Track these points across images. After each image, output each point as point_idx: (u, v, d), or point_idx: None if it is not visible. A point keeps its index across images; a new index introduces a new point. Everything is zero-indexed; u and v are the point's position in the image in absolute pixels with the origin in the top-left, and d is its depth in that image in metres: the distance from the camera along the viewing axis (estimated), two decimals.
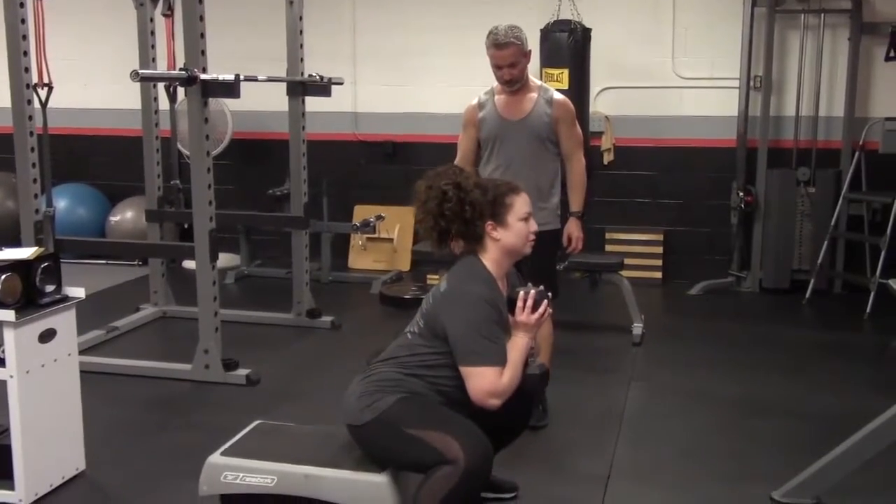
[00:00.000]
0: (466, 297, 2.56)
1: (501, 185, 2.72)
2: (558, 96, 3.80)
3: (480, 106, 3.83)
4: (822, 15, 6.10)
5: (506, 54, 3.64)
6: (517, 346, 2.56)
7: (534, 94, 3.77)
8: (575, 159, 3.84)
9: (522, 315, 2.57)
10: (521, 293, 2.59)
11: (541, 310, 2.58)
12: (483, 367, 2.46)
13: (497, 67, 3.70)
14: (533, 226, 2.71)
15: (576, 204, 3.87)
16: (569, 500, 3.20)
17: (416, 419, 2.51)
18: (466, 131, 3.88)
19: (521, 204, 2.67)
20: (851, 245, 6.15)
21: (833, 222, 5.99)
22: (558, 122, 3.74)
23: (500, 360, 2.49)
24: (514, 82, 3.71)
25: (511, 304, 2.61)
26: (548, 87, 3.88)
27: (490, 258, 2.64)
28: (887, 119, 5.65)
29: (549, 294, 2.62)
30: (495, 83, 3.82)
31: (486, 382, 2.45)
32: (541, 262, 3.70)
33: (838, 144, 6.15)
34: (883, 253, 5.59)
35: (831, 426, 3.64)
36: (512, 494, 3.14)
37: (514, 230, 2.64)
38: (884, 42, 5.93)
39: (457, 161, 3.78)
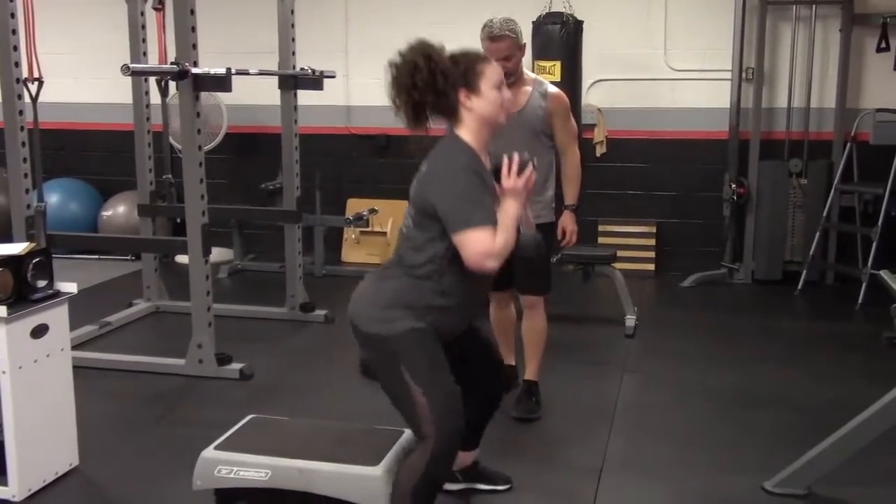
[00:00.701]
0: (448, 168, 2.54)
1: (472, 54, 2.66)
2: (553, 89, 3.79)
3: None
4: (814, 6, 6.10)
5: (501, 47, 3.63)
6: (507, 211, 2.51)
7: (528, 88, 3.75)
8: (570, 152, 3.84)
9: (508, 181, 2.53)
10: (505, 159, 2.55)
11: (526, 173, 2.54)
12: (475, 230, 2.42)
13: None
14: (507, 94, 2.65)
15: (570, 197, 3.87)
16: (562, 492, 3.21)
17: (416, 363, 2.51)
18: None
19: (493, 71, 2.61)
20: (843, 236, 6.18)
21: (825, 213, 6.01)
22: (553, 116, 3.74)
23: (490, 221, 2.46)
24: (508, 75, 3.66)
25: (496, 173, 2.58)
26: (542, 80, 3.87)
27: (467, 130, 2.60)
28: (878, 110, 5.66)
29: (533, 161, 2.58)
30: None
31: (481, 244, 2.42)
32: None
33: (830, 136, 6.17)
34: (874, 244, 5.62)
35: (823, 416, 3.66)
36: (506, 486, 3.15)
37: (487, 98, 2.58)
38: (875, 33, 5.94)
39: None
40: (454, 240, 2.47)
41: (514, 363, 4.08)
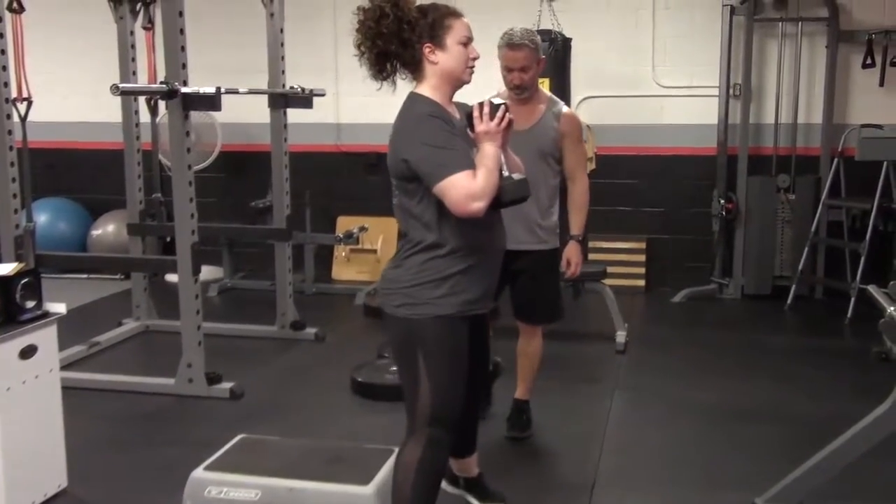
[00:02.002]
0: (410, 121, 2.51)
1: (441, 7, 2.61)
2: (567, 110, 3.66)
3: None
4: (800, 23, 6.16)
5: (518, 56, 3.52)
6: (485, 153, 2.47)
7: (542, 106, 3.62)
8: (579, 178, 3.69)
9: (482, 125, 2.48)
10: (475, 104, 2.51)
11: (499, 114, 2.49)
12: (452, 176, 2.39)
13: (508, 70, 3.57)
14: (473, 52, 2.59)
15: (577, 227, 3.71)
16: None
17: (432, 352, 2.51)
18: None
19: (460, 27, 2.57)
20: (831, 251, 6.20)
21: (813, 228, 6.04)
22: (564, 137, 3.59)
23: (466, 164, 2.42)
24: (523, 88, 3.56)
25: (469, 121, 2.52)
26: (557, 99, 3.72)
27: (429, 86, 2.57)
28: (863, 126, 5.70)
29: (505, 104, 2.52)
30: (502, 88, 3.66)
31: (461, 188, 2.38)
32: (543, 283, 3.65)
33: (817, 151, 6.21)
34: (863, 258, 5.64)
35: (814, 431, 3.66)
36: None
37: (452, 53, 2.54)
38: (861, 50, 5.99)
39: None
40: (435, 191, 2.42)
41: (527, 398, 3.88)
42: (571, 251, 3.70)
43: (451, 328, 2.53)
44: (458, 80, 2.59)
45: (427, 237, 2.52)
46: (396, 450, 2.73)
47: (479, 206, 2.40)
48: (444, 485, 3.09)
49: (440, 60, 2.54)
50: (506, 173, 2.49)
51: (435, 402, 2.50)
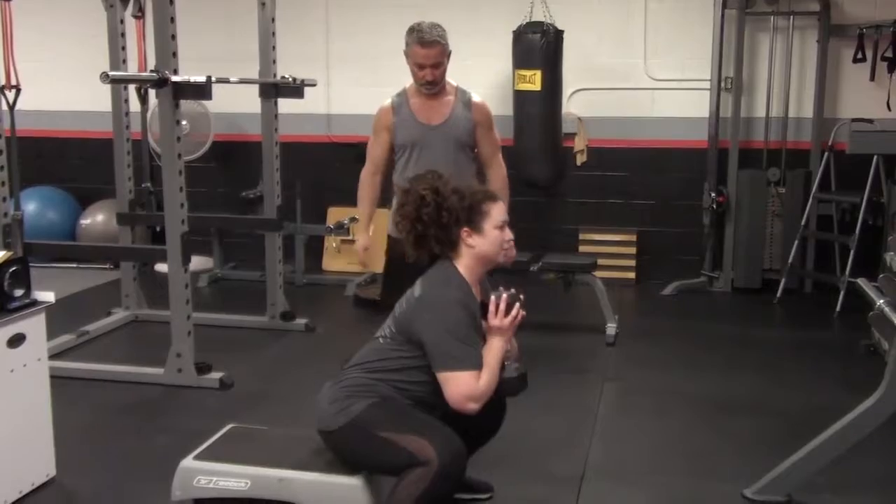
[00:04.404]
0: (441, 301, 2.56)
1: (478, 192, 2.72)
2: (477, 99, 3.68)
3: (394, 109, 3.65)
4: (792, 17, 6.16)
5: (431, 53, 3.50)
6: (492, 349, 2.56)
7: (451, 98, 3.62)
8: (495, 165, 3.70)
9: (496, 319, 2.58)
10: (493, 297, 2.60)
11: (513, 312, 2.59)
12: (460, 372, 2.47)
13: (419, 67, 3.54)
14: (508, 234, 2.70)
15: None
16: (543, 500, 3.21)
17: (388, 422, 2.52)
18: (379, 136, 3.69)
19: (497, 212, 2.68)
20: (821, 244, 6.22)
21: (803, 222, 6.06)
22: (478, 126, 3.61)
23: (476, 364, 2.50)
24: (435, 84, 3.56)
25: (484, 308, 2.62)
26: (465, 89, 3.71)
27: (464, 264, 2.65)
28: (854, 120, 5.72)
29: (521, 297, 2.62)
30: (408, 84, 3.66)
31: (464, 387, 2.46)
32: None
33: (808, 145, 6.22)
34: (852, 252, 5.66)
35: (803, 423, 3.68)
36: (487, 495, 3.15)
37: (489, 238, 2.64)
38: (852, 44, 6.00)
39: (367, 168, 3.69)
40: (438, 376, 2.49)
41: None
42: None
43: (389, 402, 2.56)
44: (492, 262, 2.69)
45: (383, 377, 2.58)
46: None
47: (475, 406, 2.49)
48: None
49: (477, 244, 2.64)
50: (507, 362, 2.61)
51: (433, 439, 2.45)
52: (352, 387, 2.60)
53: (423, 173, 2.76)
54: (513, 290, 2.64)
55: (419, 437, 2.46)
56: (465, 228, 2.63)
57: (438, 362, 2.50)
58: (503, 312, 2.58)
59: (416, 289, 2.65)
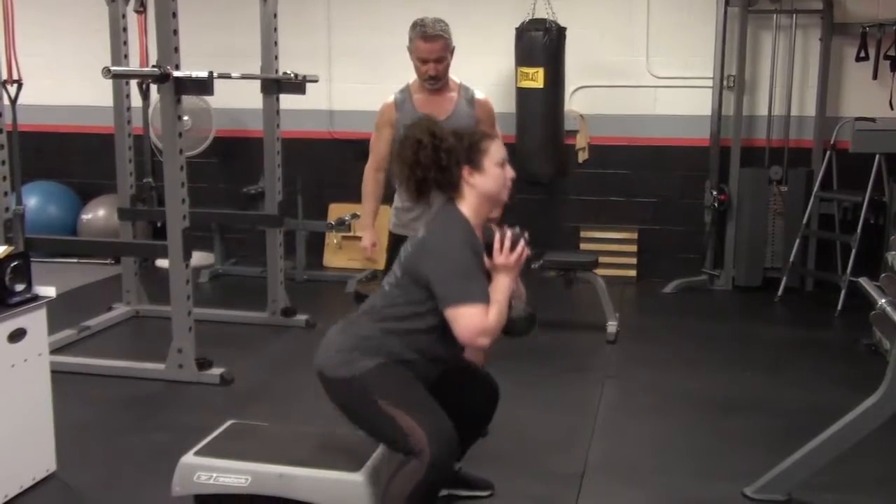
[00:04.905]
0: (446, 242, 2.55)
1: (476, 132, 2.72)
2: (480, 95, 3.67)
3: (397, 105, 3.64)
4: (794, 15, 6.15)
5: (434, 48, 3.48)
6: (499, 286, 2.54)
7: (454, 94, 3.61)
8: (507, 227, 3.70)
9: (500, 257, 2.56)
10: (497, 235, 2.58)
11: (518, 249, 2.56)
12: (468, 307, 2.44)
13: (422, 62, 3.52)
14: (510, 171, 2.68)
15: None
16: (544, 498, 3.21)
17: (390, 392, 2.51)
18: (382, 132, 3.67)
19: (496, 149, 2.65)
20: (823, 243, 6.21)
21: (805, 221, 6.05)
22: (480, 123, 3.57)
23: (484, 299, 2.48)
24: (438, 79, 3.54)
25: (488, 249, 2.59)
26: (468, 86, 3.70)
27: (468, 205, 2.62)
28: (857, 119, 5.70)
29: (526, 235, 2.60)
30: (412, 80, 3.65)
31: (474, 321, 2.44)
32: None
33: (810, 144, 6.21)
34: (853, 251, 5.66)
35: (803, 422, 3.68)
36: (487, 492, 3.15)
37: (490, 175, 2.62)
38: (855, 42, 5.99)
39: (370, 164, 3.68)
40: (446, 314, 2.48)
41: None
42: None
43: (394, 370, 2.55)
44: (495, 200, 2.67)
45: (390, 326, 2.57)
46: None
47: (486, 342, 2.48)
48: None
49: (478, 183, 2.62)
50: (514, 303, 2.59)
51: (426, 427, 2.45)
52: (360, 337, 2.59)
53: (418, 120, 2.71)
54: (517, 228, 2.62)
55: (414, 421, 2.46)
56: (466, 168, 2.60)
57: (446, 300, 2.48)
58: (508, 249, 2.55)
59: (421, 231, 2.64)
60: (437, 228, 2.61)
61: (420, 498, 2.48)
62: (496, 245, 2.56)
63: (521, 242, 2.58)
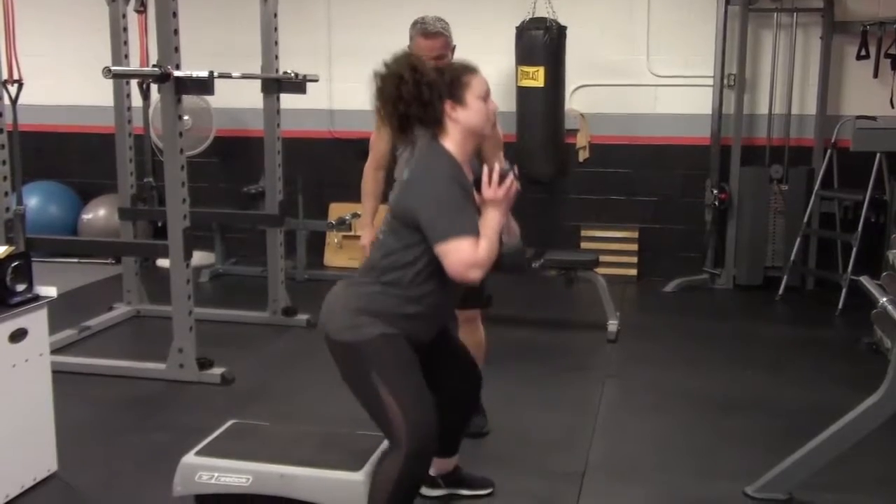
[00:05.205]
0: (430, 176, 2.53)
1: (457, 65, 2.67)
2: None
3: None
4: (795, 14, 6.15)
5: (434, 45, 3.48)
6: (488, 220, 2.51)
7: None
8: (498, 162, 3.67)
9: (489, 190, 2.52)
10: (486, 169, 2.55)
11: (507, 182, 2.53)
12: (458, 240, 2.41)
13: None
14: (493, 105, 2.65)
15: None
16: (545, 497, 3.21)
17: (386, 368, 2.51)
18: (382, 131, 3.58)
19: (478, 83, 2.61)
20: (823, 242, 6.21)
21: (805, 219, 6.05)
22: None
23: (473, 231, 2.45)
24: None
25: (477, 184, 2.57)
26: None
27: (452, 141, 2.59)
28: (858, 117, 5.70)
29: (515, 169, 2.57)
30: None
31: (464, 254, 2.41)
32: None
33: (811, 142, 6.21)
34: (854, 250, 5.65)
35: (804, 421, 3.67)
36: (487, 491, 3.15)
37: (473, 109, 2.58)
38: (855, 41, 5.99)
39: (370, 163, 3.67)
40: (436, 250, 2.45)
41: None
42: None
43: (397, 344, 2.54)
44: (479, 134, 2.64)
45: (390, 275, 2.54)
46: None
47: (477, 274, 2.44)
48: (424, 490, 3.10)
49: (461, 117, 2.58)
50: (505, 239, 2.55)
51: (407, 415, 2.47)
52: (364, 295, 2.56)
53: (400, 54, 2.66)
54: (506, 164, 2.60)
55: (399, 409, 2.47)
56: (448, 102, 2.56)
57: (435, 235, 2.45)
58: (496, 183, 2.52)
59: (405, 172, 2.63)
60: (421, 166, 2.59)
61: (403, 486, 2.51)
62: (484, 179, 2.52)
63: (511, 176, 2.54)
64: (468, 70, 2.63)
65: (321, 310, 2.65)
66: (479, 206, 2.54)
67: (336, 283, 2.70)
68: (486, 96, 2.61)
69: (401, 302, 2.54)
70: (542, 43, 5.89)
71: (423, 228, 2.47)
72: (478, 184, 2.56)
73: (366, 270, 2.63)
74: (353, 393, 2.61)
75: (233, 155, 6.92)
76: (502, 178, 2.52)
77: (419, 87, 2.52)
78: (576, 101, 6.47)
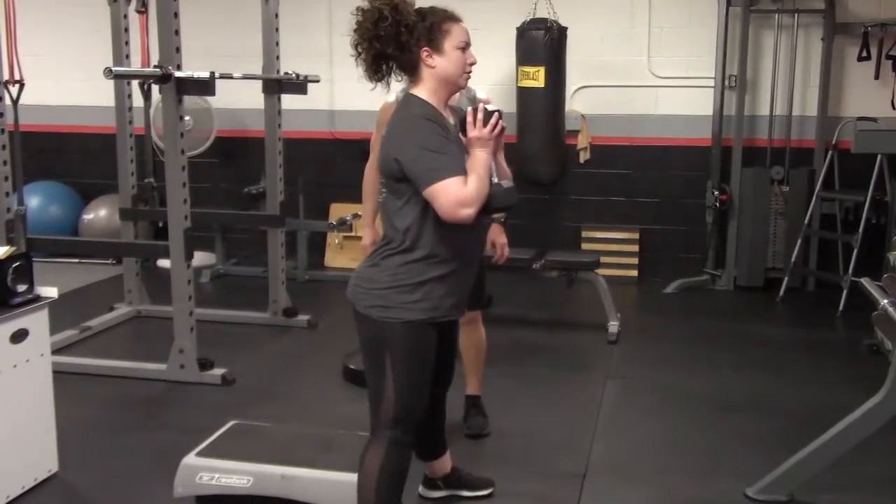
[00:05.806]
0: (405, 122, 2.51)
1: (440, 11, 2.60)
2: (482, 95, 3.60)
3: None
4: (796, 15, 6.15)
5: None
6: (476, 159, 2.47)
7: (455, 94, 3.62)
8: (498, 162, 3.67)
9: (474, 130, 2.49)
10: (469, 110, 2.52)
11: (492, 121, 2.49)
12: (444, 181, 2.39)
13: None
14: (471, 57, 2.60)
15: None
16: (546, 497, 3.21)
17: (400, 354, 2.50)
18: (382, 131, 3.68)
19: (458, 32, 2.57)
20: (824, 243, 6.21)
21: (806, 221, 6.05)
22: None
23: (458, 170, 2.42)
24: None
25: (462, 126, 2.54)
26: (470, 85, 3.67)
27: (426, 89, 2.56)
28: (859, 119, 5.70)
29: (500, 110, 2.53)
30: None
31: (452, 193, 2.38)
32: None
33: (811, 144, 6.21)
34: (855, 251, 5.65)
35: (805, 423, 3.68)
36: (487, 491, 3.15)
37: (450, 58, 2.54)
38: (856, 42, 5.99)
39: (370, 164, 3.63)
40: (425, 195, 2.41)
41: (478, 394, 3.77)
42: (495, 233, 3.61)
43: (420, 334, 2.52)
44: (454, 85, 2.60)
45: (406, 240, 2.50)
46: None
47: (468, 212, 2.40)
48: (422, 491, 3.10)
49: (437, 65, 2.54)
50: (495, 180, 2.51)
51: (398, 404, 2.50)
52: (396, 276, 2.50)
53: None
54: (491, 104, 2.56)
55: (395, 395, 2.49)
56: (425, 48, 2.52)
57: (422, 180, 2.41)
58: (482, 122, 2.48)
59: (385, 128, 2.59)
60: (398, 117, 2.56)
61: (387, 473, 2.52)
62: (469, 119, 2.49)
63: (496, 115, 2.50)
64: (450, 17, 2.57)
65: (349, 283, 2.60)
66: (467, 148, 2.51)
67: (365, 259, 2.66)
68: (465, 47, 2.57)
69: (424, 267, 2.50)
70: (543, 43, 5.89)
71: (410, 176, 2.44)
72: (463, 126, 2.52)
73: (384, 242, 2.58)
74: (362, 356, 2.62)
75: (234, 155, 6.93)
76: (487, 117, 2.49)
77: (398, 28, 2.48)
78: (577, 102, 6.47)
